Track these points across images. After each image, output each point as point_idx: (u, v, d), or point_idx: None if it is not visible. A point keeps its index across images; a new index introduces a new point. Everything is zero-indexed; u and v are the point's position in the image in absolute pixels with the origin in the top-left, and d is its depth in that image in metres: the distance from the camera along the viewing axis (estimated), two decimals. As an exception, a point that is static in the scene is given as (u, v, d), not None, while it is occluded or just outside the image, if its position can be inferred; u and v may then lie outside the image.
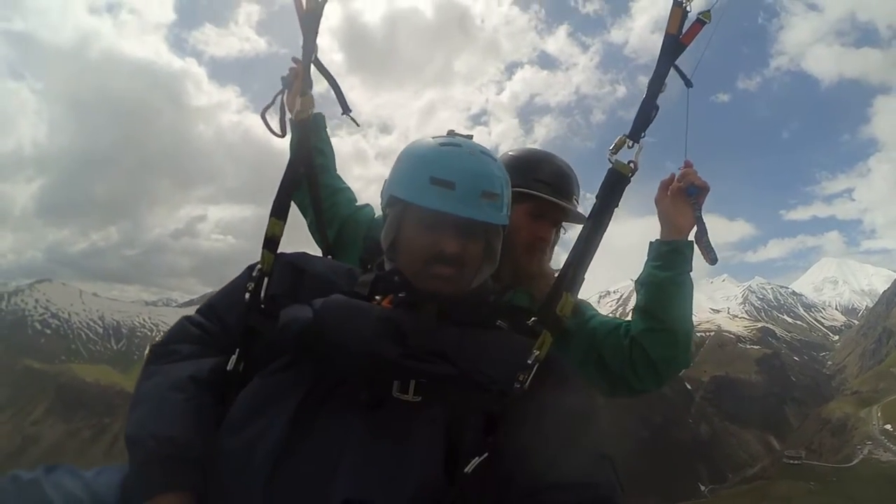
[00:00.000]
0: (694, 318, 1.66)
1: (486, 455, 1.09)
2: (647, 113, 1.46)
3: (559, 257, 1.59)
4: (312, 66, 1.66)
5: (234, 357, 1.25)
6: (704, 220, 1.64)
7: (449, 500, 1.05)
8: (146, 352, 1.33)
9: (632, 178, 1.45)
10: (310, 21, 1.58)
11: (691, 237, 1.65)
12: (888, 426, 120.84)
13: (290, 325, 1.12)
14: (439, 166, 1.22)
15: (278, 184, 1.46)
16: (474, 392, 1.15)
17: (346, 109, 1.84)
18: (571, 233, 1.89)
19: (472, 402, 1.15)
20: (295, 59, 1.77)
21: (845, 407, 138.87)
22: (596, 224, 1.42)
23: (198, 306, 1.42)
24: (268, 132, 1.80)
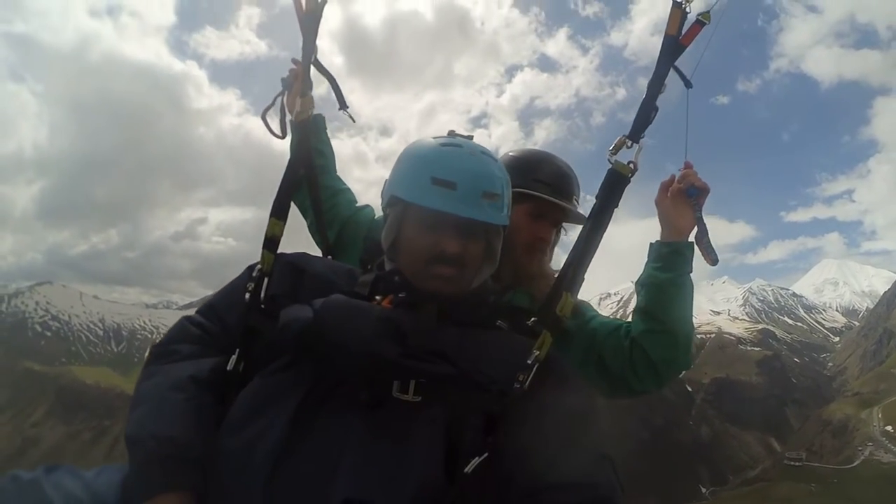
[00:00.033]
0: (694, 320, 1.66)
1: (486, 455, 1.09)
2: (646, 113, 1.46)
3: (559, 258, 1.59)
4: (312, 68, 1.67)
5: (234, 357, 1.25)
6: (705, 222, 1.64)
7: (449, 501, 1.05)
8: (147, 353, 1.33)
9: (631, 179, 1.45)
10: (309, 22, 1.59)
11: (692, 238, 1.65)
12: (889, 427, 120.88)
13: (291, 325, 1.12)
14: (440, 166, 1.22)
15: (278, 185, 1.46)
16: (474, 392, 1.15)
17: (342, 105, 1.85)
18: (573, 234, 1.87)
19: (472, 402, 1.15)
20: (295, 61, 1.78)
21: (846, 408, 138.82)
22: (595, 224, 1.43)
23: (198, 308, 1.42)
24: (268, 135, 1.81)
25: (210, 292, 1.37)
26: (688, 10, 1.46)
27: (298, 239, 1.77)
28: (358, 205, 1.99)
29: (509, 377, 1.18)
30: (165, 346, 1.29)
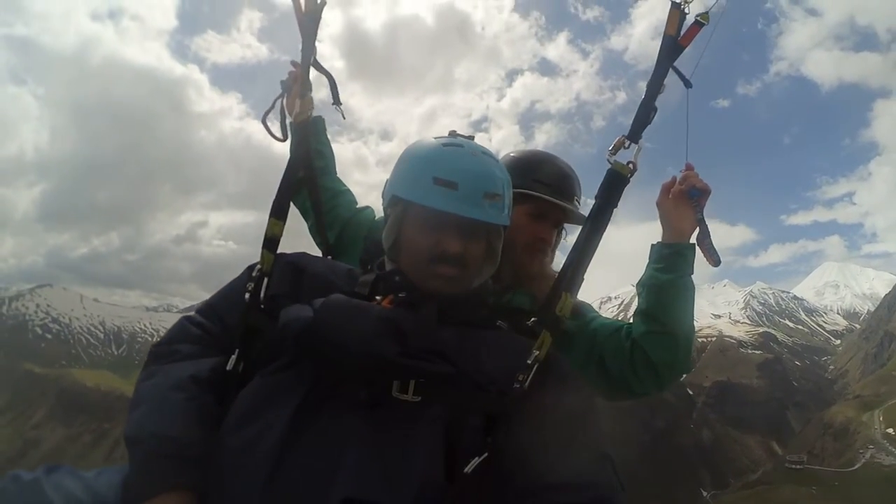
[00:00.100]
0: (695, 324, 1.66)
1: (485, 455, 1.10)
2: (645, 114, 1.46)
3: (560, 261, 1.58)
4: (312, 70, 1.67)
5: (233, 357, 1.25)
6: (706, 223, 1.64)
7: (449, 501, 1.05)
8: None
9: (631, 179, 1.45)
10: (308, 23, 1.59)
11: (693, 240, 1.65)
12: (890, 430, 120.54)
13: (290, 325, 1.12)
14: (442, 166, 1.22)
15: (278, 186, 1.47)
16: (474, 392, 1.15)
17: (336, 101, 1.85)
18: (574, 236, 1.84)
19: (471, 402, 1.15)
20: (294, 63, 1.79)
21: (847, 411, 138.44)
22: (595, 224, 1.43)
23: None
24: (269, 138, 1.82)
25: (210, 295, 1.45)
26: (686, 10, 1.46)
27: (299, 240, 1.77)
28: (358, 206, 1.99)
29: (509, 377, 1.18)
30: (165, 346, 1.29)
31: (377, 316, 1.15)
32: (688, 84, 1.52)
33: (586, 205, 1.81)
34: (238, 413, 1.13)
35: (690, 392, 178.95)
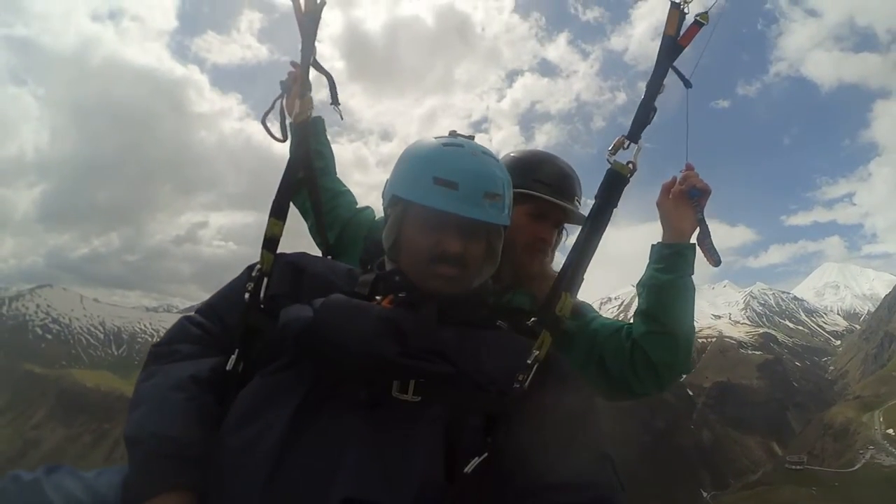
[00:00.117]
0: (695, 324, 1.66)
1: (485, 455, 1.10)
2: (645, 113, 1.46)
3: (560, 261, 1.59)
4: (312, 70, 1.67)
5: (233, 357, 1.25)
6: (707, 223, 1.64)
7: (449, 501, 1.05)
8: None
9: (630, 179, 1.45)
10: (308, 23, 1.59)
11: (693, 240, 1.64)
12: (890, 431, 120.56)
13: (290, 325, 1.12)
14: (442, 166, 1.22)
15: (278, 186, 1.47)
16: (474, 392, 1.15)
17: (335, 101, 1.84)
18: (574, 236, 1.85)
19: (471, 402, 1.15)
20: (293, 64, 1.79)
21: (847, 412, 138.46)
22: (595, 224, 1.43)
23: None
24: (269, 139, 1.82)
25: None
26: (686, 10, 1.46)
27: (299, 241, 1.77)
28: (358, 206, 2.00)
29: (509, 377, 1.18)
30: (165, 346, 1.29)
31: (377, 316, 1.15)
32: (687, 84, 1.52)
33: (587, 205, 1.81)
34: (238, 413, 1.13)
35: (690, 393, 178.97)
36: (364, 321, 1.13)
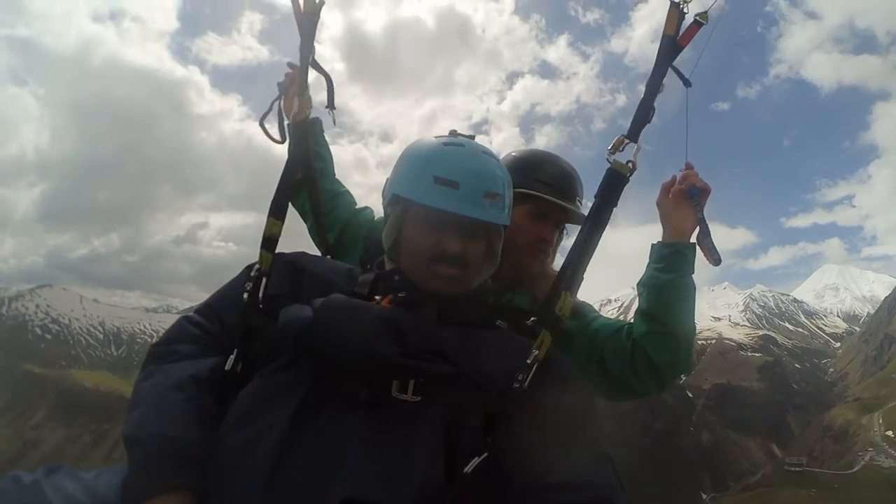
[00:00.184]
0: (696, 325, 1.65)
1: (485, 455, 1.10)
2: (644, 113, 1.46)
3: (560, 261, 1.58)
4: (311, 70, 1.66)
5: (232, 357, 1.25)
6: (706, 222, 1.64)
7: (449, 501, 1.05)
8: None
9: (630, 178, 1.45)
10: (307, 23, 1.59)
11: (693, 239, 1.64)
12: (890, 433, 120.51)
13: (290, 325, 1.12)
14: (443, 166, 1.22)
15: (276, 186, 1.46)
16: (473, 392, 1.15)
17: (331, 104, 1.83)
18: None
19: (471, 402, 1.15)
20: (291, 65, 1.79)
21: (847, 414, 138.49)
22: (594, 224, 1.42)
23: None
24: (269, 140, 1.81)
25: (210, 297, 1.50)
26: (685, 10, 1.46)
27: (299, 241, 1.77)
28: (357, 207, 2.00)
29: (508, 377, 1.18)
30: (164, 346, 1.28)
31: (377, 316, 1.15)
32: (687, 83, 1.52)
33: (588, 206, 1.80)
34: (238, 413, 1.13)
35: (690, 394, 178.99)
36: (364, 321, 1.13)
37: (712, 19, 1.47)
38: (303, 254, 1.43)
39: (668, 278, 1.57)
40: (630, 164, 1.45)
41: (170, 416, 1.12)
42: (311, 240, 1.93)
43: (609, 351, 1.63)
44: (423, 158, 1.27)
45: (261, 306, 1.28)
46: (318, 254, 1.86)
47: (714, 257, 1.61)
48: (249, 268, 1.34)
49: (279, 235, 1.37)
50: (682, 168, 1.68)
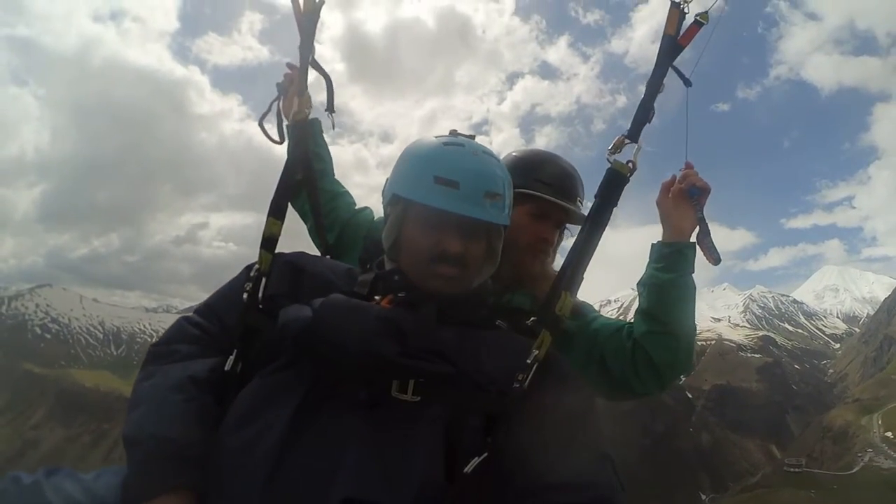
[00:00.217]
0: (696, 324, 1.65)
1: (485, 455, 1.10)
2: (645, 112, 1.46)
3: (561, 262, 1.57)
4: (311, 70, 1.65)
5: (231, 357, 1.24)
6: (706, 222, 1.64)
7: (449, 501, 1.05)
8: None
9: (630, 178, 1.44)
10: (307, 22, 1.58)
11: (693, 239, 1.64)
12: (889, 434, 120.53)
13: (290, 325, 1.12)
14: (443, 166, 1.22)
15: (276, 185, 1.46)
16: (473, 392, 1.15)
17: (330, 107, 1.82)
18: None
19: (471, 402, 1.15)
20: (290, 65, 1.78)
21: (846, 415, 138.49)
22: (594, 224, 1.42)
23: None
24: (269, 141, 1.80)
25: (210, 297, 1.50)
26: (686, 10, 1.46)
27: (298, 241, 1.76)
28: (357, 207, 1.99)
29: (508, 377, 1.18)
30: (164, 347, 1.28)
31: (376, 315, 1.15)
32: (687, 83, 1.52)
33: (588, 206, 1.79)
34: (237, 413, 1.13)
35: (690, 395, 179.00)
36: (363, 321, 1.12)
37: (713, 19, 1.47)
38: (302, 254, 1.43)
39: (668, 278, 1.57)
40: (630, 164, 1.44)
41: (169, 416, 1.12)
42: (310, 240, 1.92)
43: (609, 351, 1.63)
44: (423, 158, 1.27)
45: (260, 306, 1.28)
46: (318, 254, 1.85)
47: (714, 257, 1.61)
48: (249, 268, 1.34)
49: (279, 235, 1.36)
50: (682, 168, 1.68)
